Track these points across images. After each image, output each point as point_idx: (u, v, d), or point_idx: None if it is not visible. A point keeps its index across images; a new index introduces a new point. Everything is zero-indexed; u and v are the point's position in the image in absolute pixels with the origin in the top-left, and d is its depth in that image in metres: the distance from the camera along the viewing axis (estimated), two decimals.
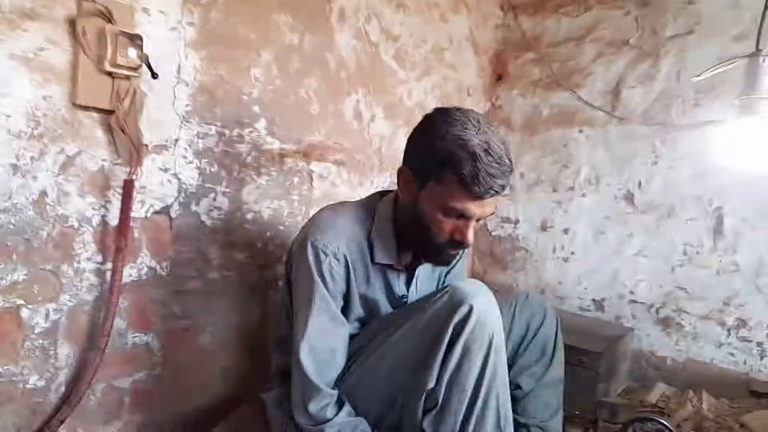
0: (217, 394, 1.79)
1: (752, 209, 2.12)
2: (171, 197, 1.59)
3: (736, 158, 1.91)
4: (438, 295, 1.18)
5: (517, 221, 2.78)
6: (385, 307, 1.33)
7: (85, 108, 1.36)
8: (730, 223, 2.17)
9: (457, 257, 1.38)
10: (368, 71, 2.17)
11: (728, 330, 2.17)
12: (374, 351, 1.23)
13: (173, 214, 1.60)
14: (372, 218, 1.29)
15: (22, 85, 1.27)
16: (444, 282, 1.50)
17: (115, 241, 1.43)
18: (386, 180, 2.32)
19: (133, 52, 1.33)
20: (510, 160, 1.12)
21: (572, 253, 2.58)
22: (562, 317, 1.56)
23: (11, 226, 1.30)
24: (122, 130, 1.36)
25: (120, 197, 1.44)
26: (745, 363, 2.14)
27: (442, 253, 1.22)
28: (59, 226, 1.38)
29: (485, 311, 1.13)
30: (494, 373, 1.15)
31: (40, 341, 1.38)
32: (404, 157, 1.24)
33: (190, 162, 1.62)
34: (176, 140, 1.57)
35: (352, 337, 1.29)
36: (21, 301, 1.34)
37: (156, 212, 1.56)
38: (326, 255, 1.20)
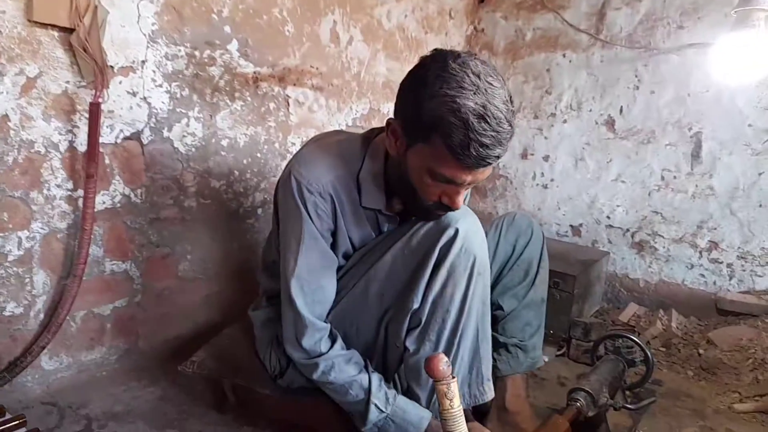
0: (200, 321, 1.82)
1: (730, 133, 2.13)
2: (141, 122, 1.54)
3: (726, 75, 1.89)
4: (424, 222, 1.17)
5: None
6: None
7: (43, 25, 1.28)
8: (708, 147, 2.18)
9: None
10: None
11: (700, 252, 2.23)
12: (361, 276, 1.23)
13: (145, 140, 1.56)
14: (362, 159, 1.19)
15: None
16: None
17: (85, 167, 1.39)
18: (366, 107, 2.27)
19: None
20: (511, 125, 0.98)
21: (552, 179, 2.59)
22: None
23: None
24: (84, 50, 1.30)
25: (87, 122, 1.39)
26: (714, 284, 2.21)
27: (429, 213, 1.15)
28: (25, 151, 1.33)
29: (470, 234, 1.13)
30: (476, 294, 1.17)
31: (15, 269, 1.37)
32: (394, 107, 1.09)
33: (160, 85, 1.56)
34: (143, 62, 1.50)
35: (339, 269, 1.29)
36: None
37: (126, 138, 1.52)
38: (311, 193, 1.14)
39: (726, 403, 1.68)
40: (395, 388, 1.21)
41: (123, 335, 1.63)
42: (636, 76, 2.32)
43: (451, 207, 1.08)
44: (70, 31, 1.31)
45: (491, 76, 0.97)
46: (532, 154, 2.64)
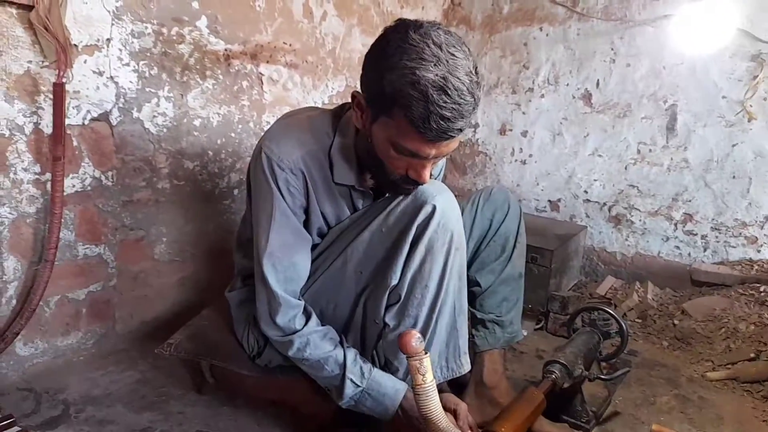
0: (177, 303, 1.80)
1: (704, 105, 2.14)
2: (109, 102, 1.50)
3: (692, 46, 1.89)
4: (400, 197, 1.17)
5: (476, 125, 2.75)
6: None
7: (0, 2, 1.23)
8: (683, 119, 2.20)
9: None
10: None
11: (675, 224, 2.26)
12: (338, 254, 1.23)
13: (113, 121, 1.52)
14: (333, 134, 1.17)
15: None
16: None
17: (51, 149, 1.36)
18: (342, 84, 2.24)
19: None
20: (474, 96, 0.95)
21: (530, 155, 2.60)
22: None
23: None
24: (45, 28, 1.25)
25: (52, 103, 1.35)
26: (689, 255, 2.25)
27: (398, 187, 1.13)
28: None
29: (447, 211, 1.13)
30: (454, 270, 1.18)
31: None
32: (360, 79, 1.06)
33: (127, 64, 1.52)
34: (108, 40, 1.46)
35: (314, 247, 1.28)
36: None
37: (94, 119, 1.48)
38: (282, 169, 1.13)
39: (699, 371, 1.73)
40: (373, 363, 1.21)
41: (99, 319, 1.62)
42: (612, 49, 2.31)
43: (418, 181, 1.07)
44: (29, 8, 1.26)
45: (454, 46, 0.94)
46: (511, 130, 2.64)
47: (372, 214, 1.20)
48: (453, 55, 0.93)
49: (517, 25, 2.56)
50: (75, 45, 1.39)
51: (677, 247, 2.27)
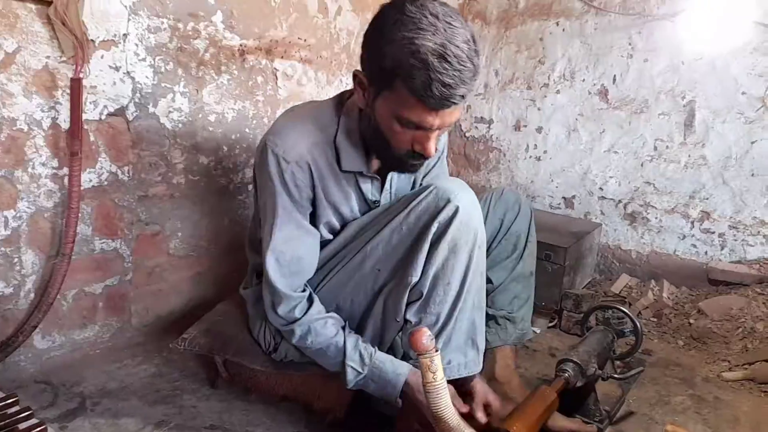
0: (192, 297, 1.82)
1: (723, 101, 2.11)
2: (125, 98, 1.51)
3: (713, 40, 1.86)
4: (422, 195, 1.16)
5: (491, 121, 2.73)
6: (357, 212, 1.28)
7: None
8: (701, 116, 2.16)
9: (425, 164, 1.25)
10: None
11: (692, 222, 2.23)
12: (357, 251, 1.23)
13: (130, 116, 1.54)
14: (337, 121, 1.19)
15: None
16: (422, 183, 1.43)
17: (69, 144, 1.37)
18: None
19: None
20: (473, 63, 0.96)
21: (545, 151, 2.57)
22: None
23: None
24: (63, 23, 1.26)
25: (69, 98, 1.36)
26: (706, 254, 2.22)
27: (404, 163, 1.14)
28: (7, 129, 1.31)
29: (470, 209, 1.14)
30: (477, 268, 1.18)
31: (2, 249, 1.36)
32: (360, 58, 1.08)
33: (143, 59, 1.52)
34: (125, 35, 1.47)
35: (326, 243, 1.28)
36: None
37: (111, 114, 1.49)
38: (288, 162, 1.14)
39: (715, 371, 1.71)
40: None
41: (115, 313, 1.64)
42: (630, 44, 2.28)
43: (424, 154, 1.08)
44: (47, 4, 1.27)
45: (450, 16, 0.96)
46: (525, 126, 2.62)
47: (393, 211, 1.20)
48: (450, 24, 0.95)
49: (533, 20, 2.53)
50: (92, 40, 1.40)
51: (694, 246, 2.24)
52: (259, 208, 1.26)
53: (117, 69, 1.47)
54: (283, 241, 1.18)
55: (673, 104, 2.22)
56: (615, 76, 2.34)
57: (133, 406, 1.36)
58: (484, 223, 1.42)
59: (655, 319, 2.06)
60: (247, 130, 1.86)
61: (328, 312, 1.23)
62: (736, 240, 2.15)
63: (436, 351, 0.96)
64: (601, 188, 2.43)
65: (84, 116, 1.40)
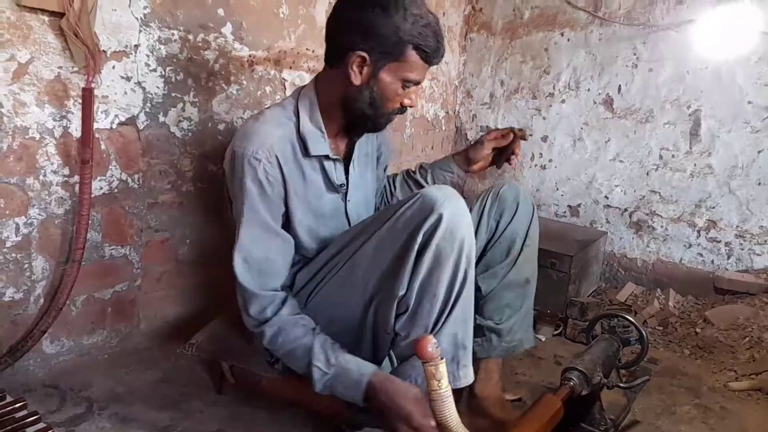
0: (199, 303, 1.83)
1: (729, 110, 2.12)
2: (136, 107, 1.54)
3: (715, 50, 1.87)
4: (408, 203, 1.17)
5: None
6: (327, 201, 1.32)
7: (32, 10, 1.27)
8: (707, 125, 2.17)
9: (384, 156, 1.53)
10: None
11: (698, 231, 2.23)
12: (345, 261, 1.24)
13: (140, 125, 1.56)
14: (297, 114, 1.26)
15: None
16: (381, 158, 1.53)
17: (80, 153, 1.40)
18: None
19: None
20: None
21: (550, 160, 2.59)
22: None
23: None
24: (75, 35, 1.29)
25: (81, 107, 1.39)
26: (712, 263, 2.22)
27: (389, 120, 1.29)
28: (19, 137, 1.33)
29: (455, 218, 1.12)
30: (464, 279, 1.14)
31: (13, 255, 1.38)
32: (352, 42, 1.17)
33: (154, 70, 1.55)
34: (136, 46, 1.50)
35: (319, 250, 1.29)
36: None
37: (122, 123, 1.52)
38: (258, 161, 1.18)
39: (722, 381, 1.70)
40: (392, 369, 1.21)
41: (124, 318, 1.65)
42: (634, 54, 2.30)
43: (413, 106, 1.28)
44: (60, 15, 1.30)
45: None
46: (531, 135, 2.63)
47: (380, 220, 1.21)
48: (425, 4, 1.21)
49: (538, 31, 2.55)
50: (104, 51, 1.43)
51: (700, 254, 2.24)
52: (233, 213, 1.29)
53: (128, 79, 1.50)
54: (250, 241, 1.21)
55: (679, 113, 2.22)
56: (620, 85, 2.35)
57: (140, 411, 1.37)
58: (478, 226, 1.42)
59: (660, 328, 2.05)
60: None
61: (299, 315, 1.23)
62: (742, 249, 2.15)
63: (441, 359, 0.96)
64: (606, 197, 2.44)
65: (95, 125, 1.42)
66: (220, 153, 1.76)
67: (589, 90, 2.43)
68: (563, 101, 2.51)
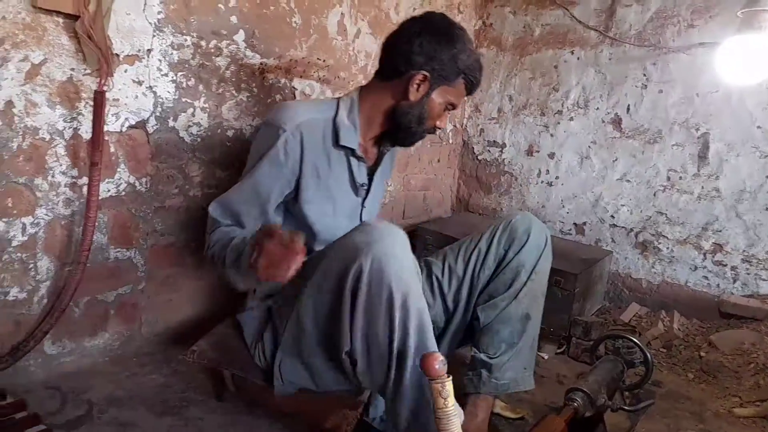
0: (202, 309, 1.82)
1: (738, 134, 2.11)
2: (147, 111, 1.54)
3: (731, 76, 1.87)
4: (336, 246, 1.14)
5: (503, 145, 2.75)
6: (346, 193, 1.37)
7: (48, 12, 1.28)
8: (715, 148, 2.17)
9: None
10: None
11: (704, 254, 2.22)
12: (292, 311, 1.22)
13: (150, 129, 1.56)
14: (336, 107, 1.34)
15: None
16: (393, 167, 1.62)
17: (90, 155, 1.40)
18: None
19: None
20: None
21: (557, 177, 2.58)
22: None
23: None
24: (89, 37, 1.30)
25: (92, 109, 1.39)
26: (718, 286, 2.20)
27: (422, 137, 1.39)
28: (29, 138, 1.34)
29: (379, 263, 1.04)
30: (404, 324, 1.05)
31: (19, 254, 1.37)
32: (417, 63, 1.28)
33: (165, 75, 1.56)
34: (149, 51, 1.50)
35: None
36: None
37: (132, 127, 1.52)
38: (284, 130, 1.25)
39: (726, 407, 1.68)
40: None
41: (126, 322, 1.65)
42: (644, 75, 2.30)
43: (442, 127, 1.39)
44: (75, 18, 1.31)
45: None
46: (538, 151, 2.63)
47: (310, 266, 1.15)
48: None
49: (548, 48, 2.56)
50: (117, 54, 1.43)
51: (705, 277, 2.23)
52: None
53: (140, 83, 1.51)
54: (235, 198, 1.29)
55: (687, 135, 2.22)
56: (629, 105, 2.35)
57: (140, 416, 1.36)
58: (486, 254, 1.42)
59: (664, 350, 2.04)
60: None
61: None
62: (749, 274, 2.13)
63: (448, 376, 0.94)
64: (612, 216, 2.43)
65: (105, 128, 1.43)
66: (228, 159, 1.77)
67: (597, 109, 2.44)
68: (572, 119, 2.51)
